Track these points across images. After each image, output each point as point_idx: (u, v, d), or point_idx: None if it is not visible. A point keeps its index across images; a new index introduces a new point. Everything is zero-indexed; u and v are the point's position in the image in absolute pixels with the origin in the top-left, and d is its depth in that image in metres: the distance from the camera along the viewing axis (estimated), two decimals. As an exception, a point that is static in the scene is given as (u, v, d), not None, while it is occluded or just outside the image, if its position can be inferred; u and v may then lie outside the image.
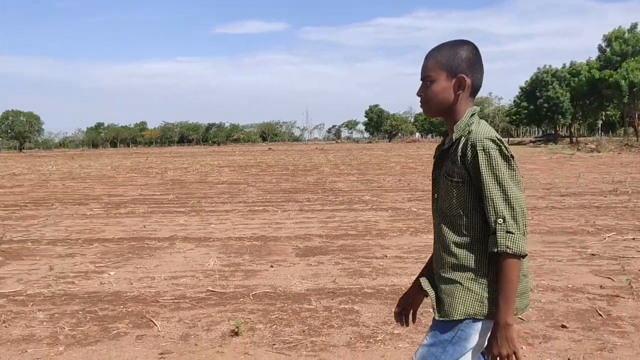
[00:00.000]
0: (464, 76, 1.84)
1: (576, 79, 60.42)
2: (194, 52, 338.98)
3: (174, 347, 3.88)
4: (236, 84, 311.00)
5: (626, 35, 55.38)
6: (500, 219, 1.73)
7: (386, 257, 6.52)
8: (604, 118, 77.05)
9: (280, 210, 10.80)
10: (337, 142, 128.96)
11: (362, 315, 4.46)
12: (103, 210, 11.41)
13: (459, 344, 1.80)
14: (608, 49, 56.32)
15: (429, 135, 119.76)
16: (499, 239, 1.73)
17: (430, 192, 2.01)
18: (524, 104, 68.46)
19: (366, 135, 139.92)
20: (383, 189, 14.75)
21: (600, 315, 4.35)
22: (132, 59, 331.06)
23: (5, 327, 4.35)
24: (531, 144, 64.44)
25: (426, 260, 2.18)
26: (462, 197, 1.82)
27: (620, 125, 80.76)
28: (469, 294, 1.80)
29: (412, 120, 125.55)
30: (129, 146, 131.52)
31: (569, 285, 5.19)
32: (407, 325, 2.17)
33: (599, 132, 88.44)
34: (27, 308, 4.84)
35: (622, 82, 49.61)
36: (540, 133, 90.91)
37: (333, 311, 4.59)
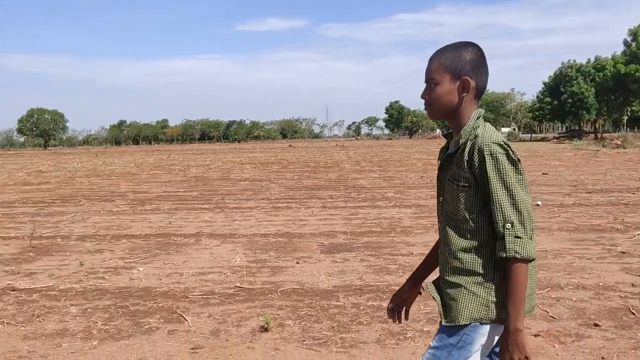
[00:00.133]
0: (468, 78, 1.82)
1: (601, 74, 59.46)
2: (215, 50, 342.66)
3: (206, 342, 3.93)
4: (256, 81, 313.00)
5: (652, 29, 54.34)
6: (508, 224, 1.71)
7: (412, 254, 6.50)
8: (629, 114, 75.55)
9: (303, 207, 10.83)
10: (357, 138, 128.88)
11: (391, 312, 4.45)
12: (129, 207, 11.57)
13: (464, 348, 1.80)
14: (634, 44, 55.29)
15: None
16: (507, 244, 1.71)
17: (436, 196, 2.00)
18: (548, 99, 67.58)
19: (386, 131, 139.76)
20: (405, 186, 14.69)
21: (633, 313, 4.28)
22: (154, 57, 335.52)
23: (40, 321, 4.44)
24: (555, 140, 63.60)
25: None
26: (468, 201, 1.80)
27: (646, 121, 79.25)
28: (474, 298, 1.79)
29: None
30: (150, 143, 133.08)
31: (600, 284, 5.12)
32: (400, 322, 2.19)
33: (624, 127, 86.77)
34: (59, 303, 4.93)
35: (649, 76, 48.70)
36: (564, 129, 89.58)
37: (361, 308, 4.59)
